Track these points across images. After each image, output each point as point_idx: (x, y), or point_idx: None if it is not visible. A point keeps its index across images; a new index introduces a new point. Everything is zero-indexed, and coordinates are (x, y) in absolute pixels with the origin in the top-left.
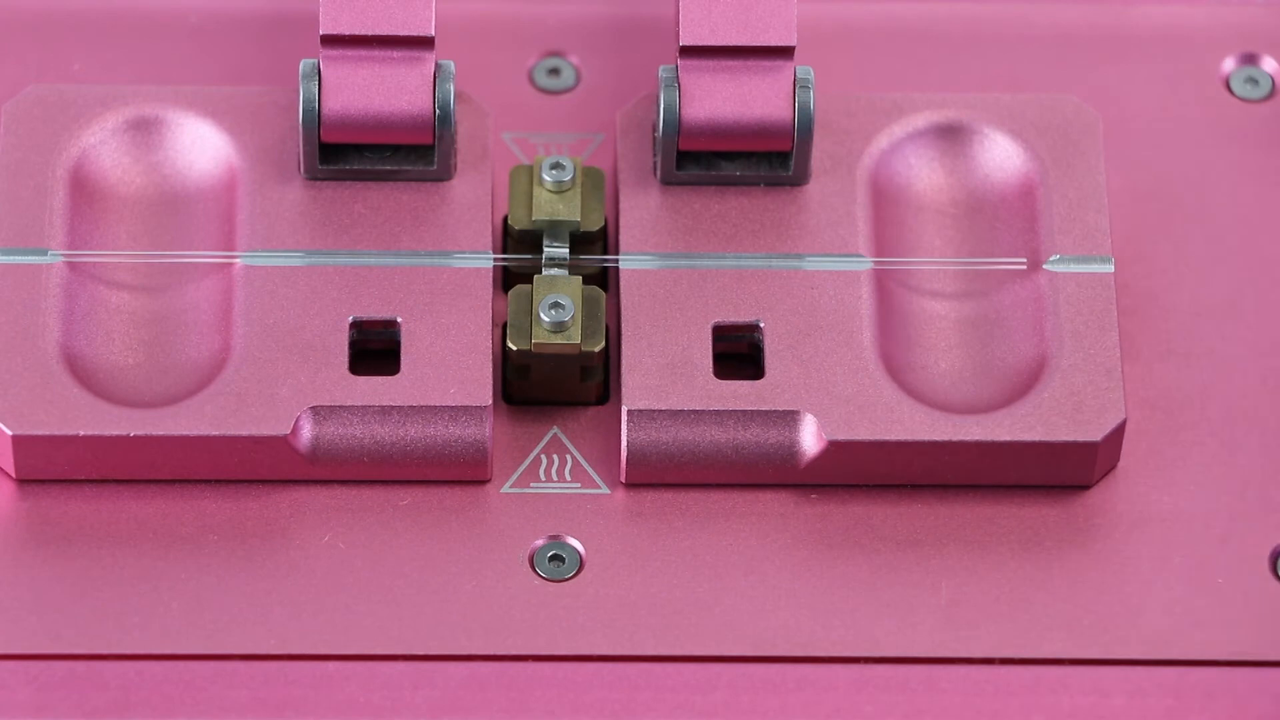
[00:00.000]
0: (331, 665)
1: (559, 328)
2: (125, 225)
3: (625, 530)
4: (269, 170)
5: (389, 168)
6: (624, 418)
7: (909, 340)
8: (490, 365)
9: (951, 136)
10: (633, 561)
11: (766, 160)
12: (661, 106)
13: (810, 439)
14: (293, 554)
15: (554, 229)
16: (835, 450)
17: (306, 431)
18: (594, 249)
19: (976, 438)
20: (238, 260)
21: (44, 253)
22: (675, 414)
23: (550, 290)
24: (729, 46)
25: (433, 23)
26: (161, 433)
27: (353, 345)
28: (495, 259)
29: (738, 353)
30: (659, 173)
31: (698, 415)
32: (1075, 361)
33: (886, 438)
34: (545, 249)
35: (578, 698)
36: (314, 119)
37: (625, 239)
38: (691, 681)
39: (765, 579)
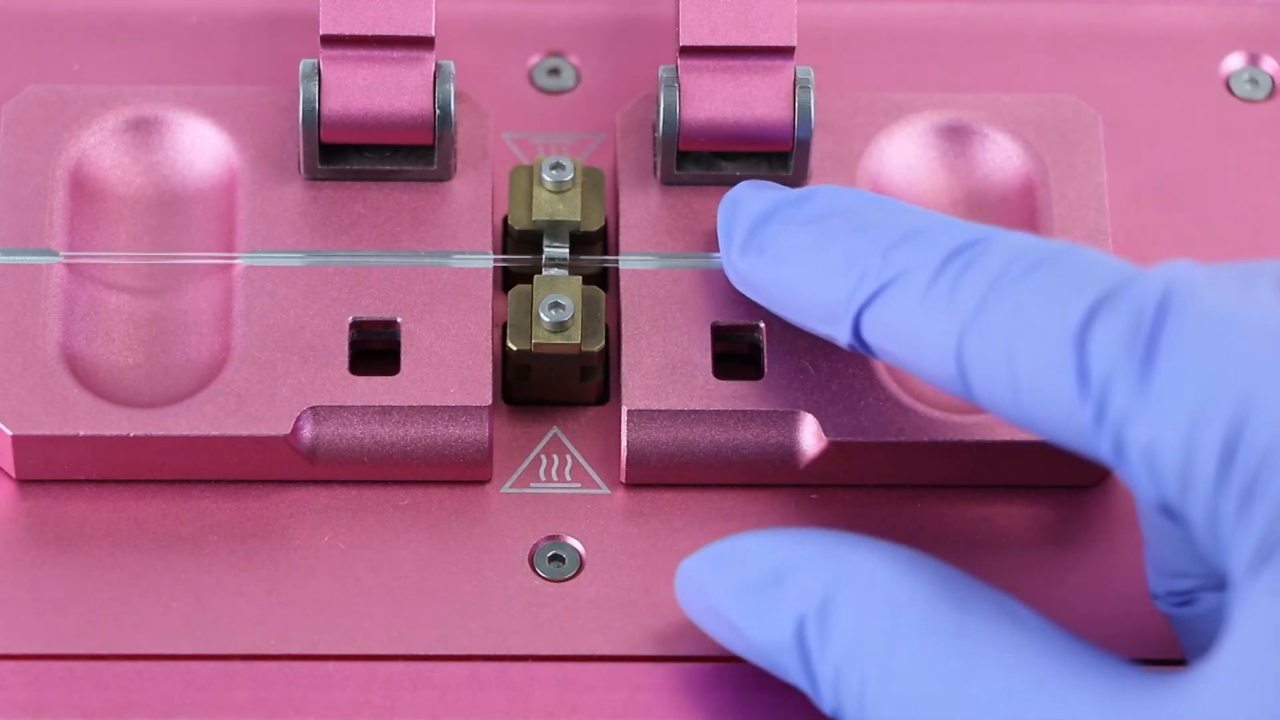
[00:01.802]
0: (331, 665)
1: (559, 328)
2: (125, 225)
3: (625, 530)
4: (269, 170)
5: (389, 168)
6: (624, 418)
7: None
8: (490, 365)
9: (951, 136)
10: (633, 561)
11: (766, 160)
12: (661, 106)
13: (810, 439)
14: (293, 554)
15: (554, 229)
16: (835, 450)
17: (306, 431)
18: (594, 249)
19: (976, 438)
20: (238, 261)
21: (44, 253)
22: (675, 414)
23: (550, 290)
24: (729, 46)
25: (433, 23)
26: (161, 433)
27: (353, 345)
28: (495, 259)
29: (738, 353)
30: (659, 173)
31: (698, 415)
32: None
33: (886, 438)
34: (545, 249)
35: (578, 698)
36: (314, 119)
37: (625, 239)
38: (691, 681)
39: None
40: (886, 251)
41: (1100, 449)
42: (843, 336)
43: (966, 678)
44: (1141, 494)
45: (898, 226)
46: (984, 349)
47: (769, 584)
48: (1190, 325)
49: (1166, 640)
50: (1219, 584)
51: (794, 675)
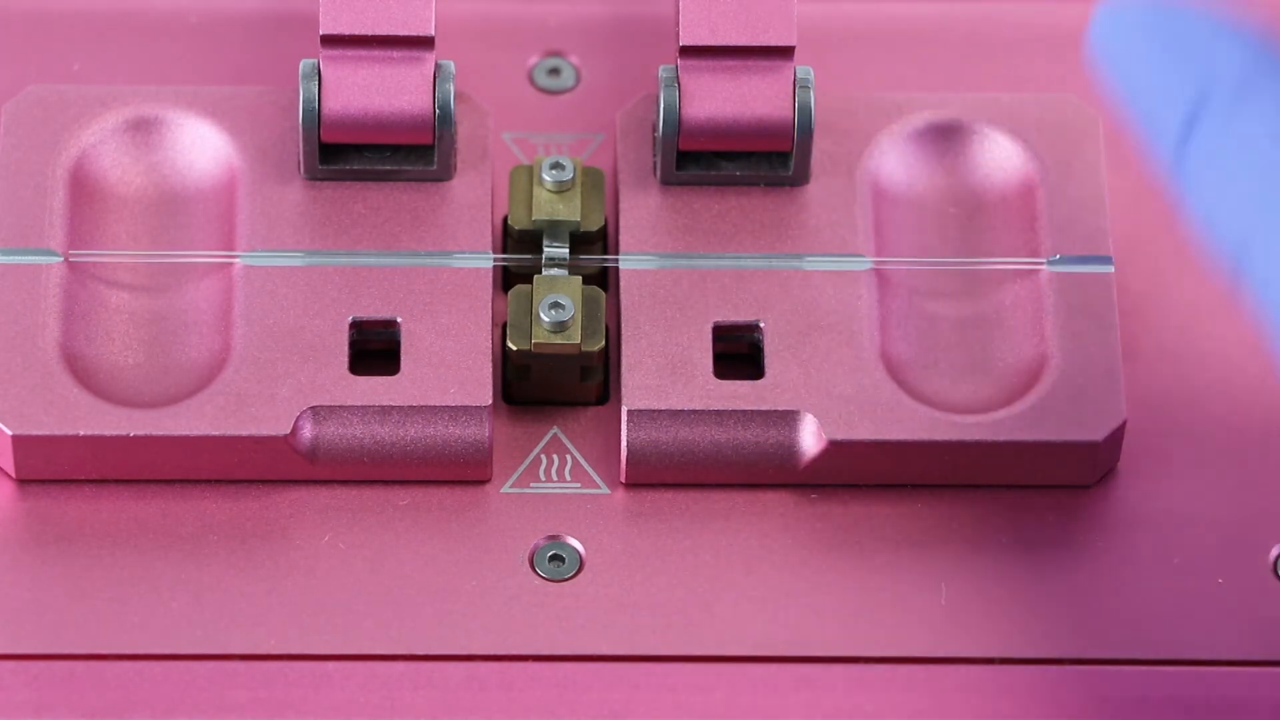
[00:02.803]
0: (331, 665)
1: (559, 328)
2: (125, 225)
3: (625, 530)
4: (269, 170)
5: (389, 168)
6: (624, 418)
7: (909, 340)
8: (490, 365)
9: (951, 136)
10: (633, 561)
11: (766, 160)
12: (661, 106)
13: (810, 439)
14: (293, 554)
15: (554, 229)
16: (835, 450)
17: (306, 431)
18: (594, 249)
19: (976, 438)
20: (238, 260)
21: (45, 253)
22: (675, 414)
23: (550, 290)
24: (729, 46)
25: (433, 23)
26: (161, 433)
27: (353, 345)
28: (495, 259)
29: (738, 353)
30: (659, 173)
31: (698, 415)
32: (1075, 361)
33: (886, 438)
34: (545, 249)
35: (578, 698)
36: (314, 119)
37: (625, 239)
38: (691, 681)
39: (765, 579)
40: None
41: None
42: None
43: None
44: None
45: None
46: None
47: (1190, 49)
48: None
49: (1165, 640)
50: None
51: (1158, 145)
